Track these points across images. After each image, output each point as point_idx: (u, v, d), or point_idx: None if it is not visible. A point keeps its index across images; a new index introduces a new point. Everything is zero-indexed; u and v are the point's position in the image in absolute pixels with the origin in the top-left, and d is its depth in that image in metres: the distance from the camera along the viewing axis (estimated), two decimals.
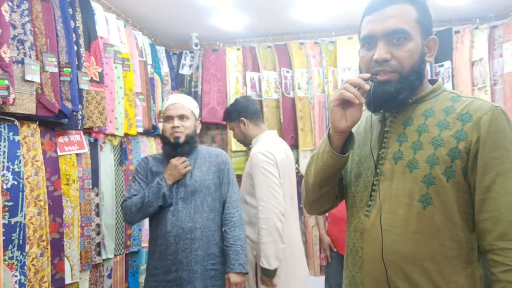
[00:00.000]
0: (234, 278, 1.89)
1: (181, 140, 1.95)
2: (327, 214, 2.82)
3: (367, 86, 0.97)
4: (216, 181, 2.01)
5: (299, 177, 3.82)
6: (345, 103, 0.99)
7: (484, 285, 0.96)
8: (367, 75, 0.99)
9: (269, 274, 2.07)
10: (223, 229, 2.01)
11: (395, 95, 0.98)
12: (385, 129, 1.06)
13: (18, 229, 1.73)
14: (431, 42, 1.03)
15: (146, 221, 3.01)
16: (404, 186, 0.97)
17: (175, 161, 1.93)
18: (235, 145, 3.59)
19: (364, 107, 1.04)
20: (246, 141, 2.42)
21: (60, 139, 2.13)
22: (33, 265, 1.81)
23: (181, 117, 1.98)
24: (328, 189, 1.13)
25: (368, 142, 1.09)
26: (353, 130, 1.11)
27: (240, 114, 2.39)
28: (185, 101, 2.04)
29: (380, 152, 1.04)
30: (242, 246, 1.95)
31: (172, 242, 1.89)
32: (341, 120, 0.99)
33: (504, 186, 0.90)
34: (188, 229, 1.90)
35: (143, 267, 3.02)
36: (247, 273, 1.98)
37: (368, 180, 1.06)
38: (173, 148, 1.97)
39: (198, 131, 2.05)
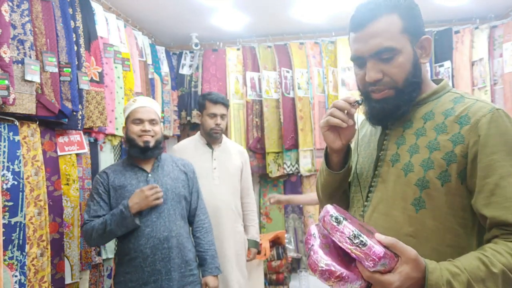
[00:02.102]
0: (213, 282, 1.99)
1: (151, 144, 1.91)
2: None
3: (353, 110, 0.99)
4: (186, 189, 2.02)
5: (299, 177, 3.83)
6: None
7: None
8: (353, 98, 1.00)
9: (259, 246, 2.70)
10: (195, 235, 2.07)
11: (394, 111, 0.98)
12: (386, 131, 1.05)
13: (18, 229, 1.73)
14: (424, 42, 1.00)
15: None
16: (399, 189, 0.97)
17: (146, 190, 1.81)
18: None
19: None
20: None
21: (60, 139, 2.13)
22: (33, 265, 1.81)
23: (152, 121, 1.94)
24: (338, 200, 1.16)
25: (371, 144, 1.10)
26: (361, 134, 1.17)
27: None
28: (153, 105, 2.01)
29: (380, 154, 1.04)
30: (216, 250, 2.08)
31: (149, 253, 1.85)
32: (334, 141, 1.02)
33: (509, 190, 0.86)
34: (164, 239, 1.87)
35: None
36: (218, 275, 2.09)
37: (366, 181, 1.06)
38: (142, 152, 1.91)
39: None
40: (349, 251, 0.75)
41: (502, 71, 3.25)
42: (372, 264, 0.73)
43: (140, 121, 1.93)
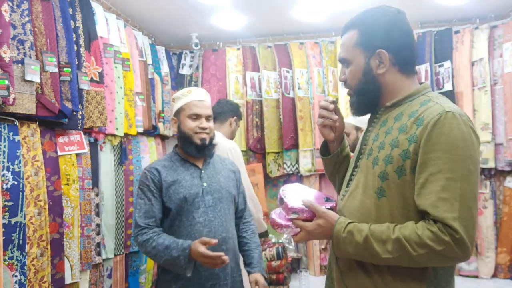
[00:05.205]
0: (262, 279, 1.80)
1: (207, 142, 1.77)
2: None
3: (331, 106, 1.28)
4: (235, 189, 1.89)
5: (299, 177, 3.83)
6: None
7: (432, 269, 1.06)
8: (331, 99, 1.30)
9: None
10: (241, 235, 1.94)
11: (352, 106, 1.23)
12: (369, 128, 1.23)
13: (18, 229, 1.73)
14: (380, 54, 1.13)
15: None
16: (368, 179, 1.13)
17: (217, 258, 1.54)
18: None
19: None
20: None
21: (60, 139, 2.13)
22: (33, 265, 1.81)
23: (208, 117, 1.80)
24: (339, 182, 1.39)
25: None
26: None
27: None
28: (208, 98, 1.86)
29: (362, 148, 1.22)
30: (262, 252, 1.96)
31: None
32: (329, 134, 1.33)
33: (433, 185, 0.99)
34: (223, 240, 1.71)
35: (143, 267, 3.02)
36: None
37: (351, 170, 1.26)
38: (198, 150, 1.76)
39: None
40: (281, 207, 1.22)
41: (502, 71, 3.25)
42: (287, 211, 1.17)
43: (198, 117, 1.77)
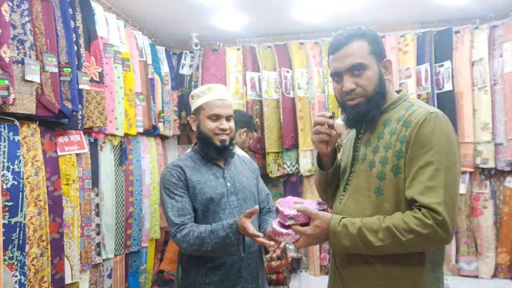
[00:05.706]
0: None
1: (227, 143, 1.71)
2: None
3: (330, 121, 1.30)
4: (255, 188, 1.84)
5: (299, 177, 3.83)
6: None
7: (428, 255, 1.17)
8: (328, 114, 1.32)
9: None
10: (264, 219, 1.86)
11: (365, 114, 1.24)
12: (359, 135, 1.32)
13: (18, 229, 1.73)
14: (387, 63, 1.26)
15: (147, 221, 3.01)
16: (365, 181, 1.24)
17: (260, 240, 1.47)
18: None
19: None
20: None
21: (60, 139, 2.13)
22: (33, 265, 1.81)
23: (229, 117, 1.72)
24: (331, 193, 1.43)
25: (351, 147, 1.38)
26: (345, 141, 1.47)
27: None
28: (229, 96, 1.77)
29: (354, 155, 1.32)
30: None
31: (236, 259, 1.61)
32: (325, 149, 1.35)
33: (421, 177, 1.11)
34: (250, 242, 1.62)
35: (143, 267, 3.02)
36: None
37: (345, 176, 1.35)
38: (218, 151, 1.70)
39: None
40: (278, 217, 1.29)
41: (502, 71, 3.25)
42: (284, 218, 1.24)
43: (218, 117, 1.69)
